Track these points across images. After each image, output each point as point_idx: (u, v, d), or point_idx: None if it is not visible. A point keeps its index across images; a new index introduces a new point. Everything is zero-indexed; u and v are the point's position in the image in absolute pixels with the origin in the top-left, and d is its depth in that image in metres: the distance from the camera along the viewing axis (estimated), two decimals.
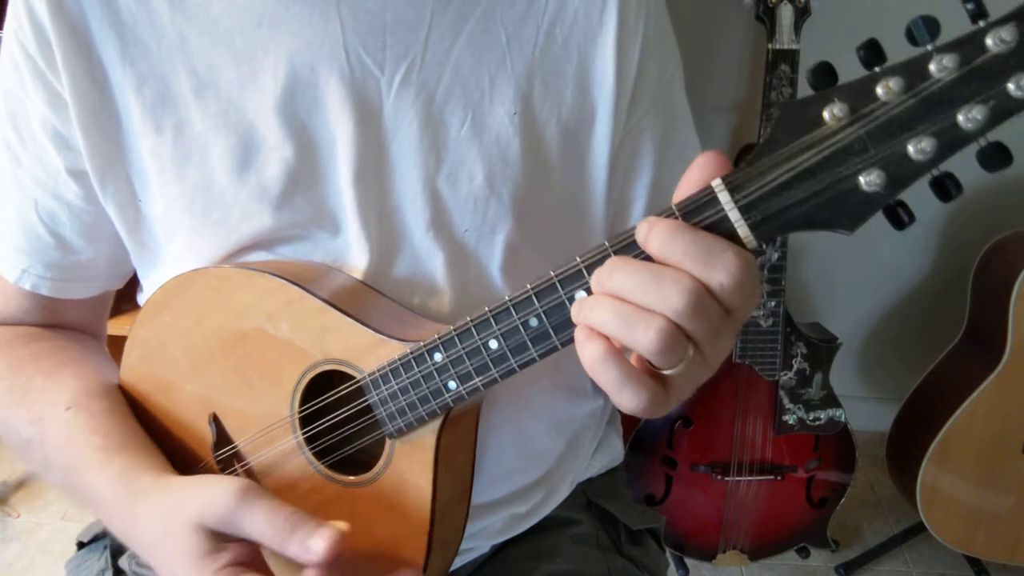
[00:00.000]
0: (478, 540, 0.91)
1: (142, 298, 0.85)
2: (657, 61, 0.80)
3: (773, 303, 1.69)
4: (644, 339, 0.52)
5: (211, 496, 0.65)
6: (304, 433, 0.75)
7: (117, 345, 0.82)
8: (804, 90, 0.65)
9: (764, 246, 1.60)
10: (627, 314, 0.52)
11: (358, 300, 0.73)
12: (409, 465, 0.72)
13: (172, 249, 0.79)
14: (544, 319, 0.59)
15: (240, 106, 0.73)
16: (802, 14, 1.59)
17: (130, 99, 0.74)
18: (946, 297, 2.20)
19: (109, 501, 0.74)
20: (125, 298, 0.94)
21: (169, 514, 0.67)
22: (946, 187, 0.48)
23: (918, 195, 0.52)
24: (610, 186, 0.81)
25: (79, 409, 0.77)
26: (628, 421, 1.80)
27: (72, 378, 0.80)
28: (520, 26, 0.75)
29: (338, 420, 0.74)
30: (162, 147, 0.75)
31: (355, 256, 0.76)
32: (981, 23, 0.44)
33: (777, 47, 1.60)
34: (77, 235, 0.81)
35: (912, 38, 0.46)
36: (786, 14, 1.58)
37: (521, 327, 0.60)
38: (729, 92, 2.03)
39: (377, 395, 0.70)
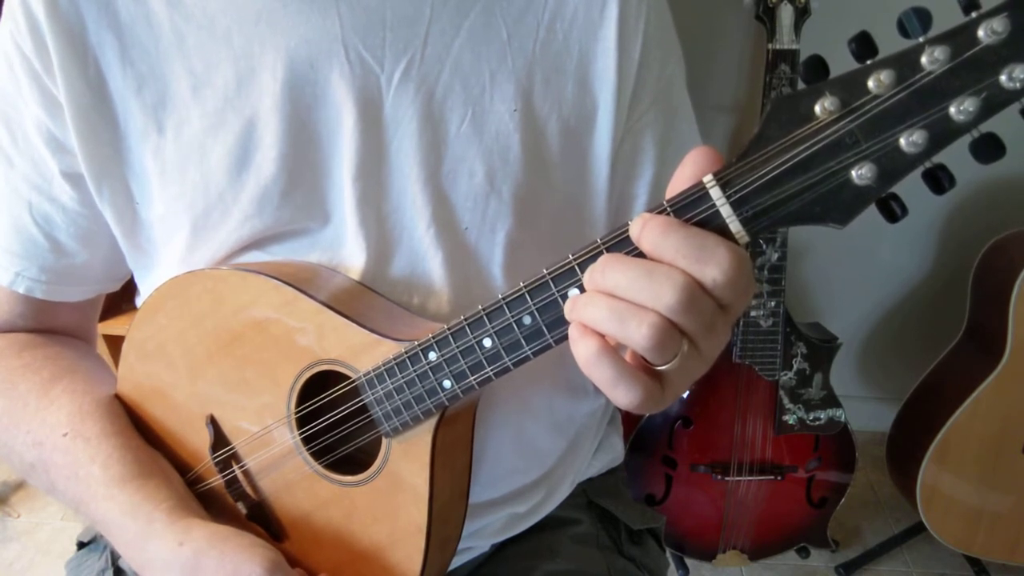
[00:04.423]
0: (477, 539, 0.91)
1: (139, 301, 0.85)
2: (658, 58, 0.80)
3: (773, 303, 1.69)
4: (637, 335, 0.52)
5: (235, 571, 0.68)
6: (301, 433, 0.75)
7: (115, 345, 0.83)
8: None
9: (763, 244, 1.62)
10: (620, 311, 0.52)
11: (354, 300, 0.73)
12: (406, 464, 0.72)
13: (169, 251, 0.79)
14: (537, 317, 0.59)
15: (238, 105, 0.73)
16: (802, 14, 1.59)
17: (131, 101, 0.74)
18: (946, 297, 2.20)
19: (116, 535, 0.75)
20: (124, 299, 0.94)
21: (188, 570, 0.70)
22: (939, 179, 0.47)
23: (918, 195, 0.52)
24: (611, 183, 0.81)
25: (75, 435, 0.77)
26: (628, 421, 1.80)
27: (66, 395, 0.80)
28: (520, 22, 0.75)
29: (335, 420, 0.74)
30: (164, 148, 0.75)
31: (353, 255, 0.76)
32: (973, 14, 0.44)
33: (777, 47, 1.59)
34: (72, 238, 0.81)
35: (904, 30, 0.46)
36: (786, 14, 1.58)
37: (515, 325, 0.60)
38: (729, 92, 2.03)
39: (372, 395, 0.70)
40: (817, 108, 0.48)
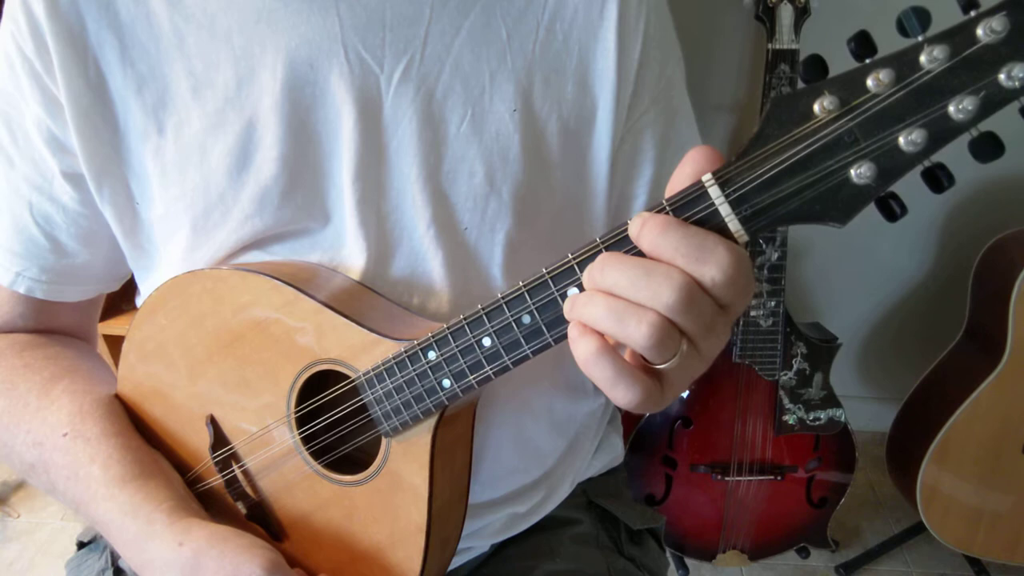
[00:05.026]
0: (477, 539, 0.91)
1: (140, 300, 0.85)
2: (658, 58, 0.80)
3: (773, 303, 1.69)
4: (637, 334, 0.52)
5: (234, 571, 0.68)
6: (301, 433, 0.75)
7: (115, 345, 0.82)
8: None
9: (763, 243, 1.62)
10: (619, 310, 0.52)
11: (353, 300, 0.73)
12: (405, 464, 0.72)
13: (170, 251, 0.79)
14: (537, 316, 0.59)
15: (238, 105, 0.73)
16: (802, 14, 1.59)
17: (131, 101, 0.74)
18: (946, 297, 2.20)
19: (116, 535, 0.75)
20: (124, 299, 0.94)
21: (187, 570, 0.70)
22: (938, 178, 0.47)
23: (918, 194, 0.52)
24: (611, 183, 0.81)
25: (75, 435, 0.77)
26: (628, 421, 1.80)
27: (66, 395, 0.80)
28: (520, 22, 0.75)
29: (334, 419, 0.74)
30: (164, 148, 0.75)
31: (353, 254, 0.76)
32: (972, 13, 0.44)
33: (777, 47, 1.60)
34: (72, 238, 0.81)
35: (903, 29, 0.46)
36: (786, 14, 1.58)
37: (514, 324, 0.60)
38: (729, 92, 2.03)
39: (372, 394, 0.70)
40: (816, 107, 0.48)
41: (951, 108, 0.45)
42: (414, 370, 0.66)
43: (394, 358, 0.67)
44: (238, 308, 0.74)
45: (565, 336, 0.57)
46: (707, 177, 0.52)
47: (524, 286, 0.59)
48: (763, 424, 1.80)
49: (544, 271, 0.58)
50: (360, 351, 0.70)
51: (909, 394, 1.95)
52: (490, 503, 0.88)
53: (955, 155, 0.48)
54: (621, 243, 0.54)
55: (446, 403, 0.67)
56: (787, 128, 0.49)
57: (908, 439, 1.91)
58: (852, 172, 0.48)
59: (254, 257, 0.77)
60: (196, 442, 0.80)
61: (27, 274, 0.81)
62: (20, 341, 0.85)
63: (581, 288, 0.56)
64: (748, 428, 1.81)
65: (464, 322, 0.62)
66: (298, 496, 0.78)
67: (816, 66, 0.48)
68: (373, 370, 0.69)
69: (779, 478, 1.85)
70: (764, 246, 1.65)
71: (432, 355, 0.65)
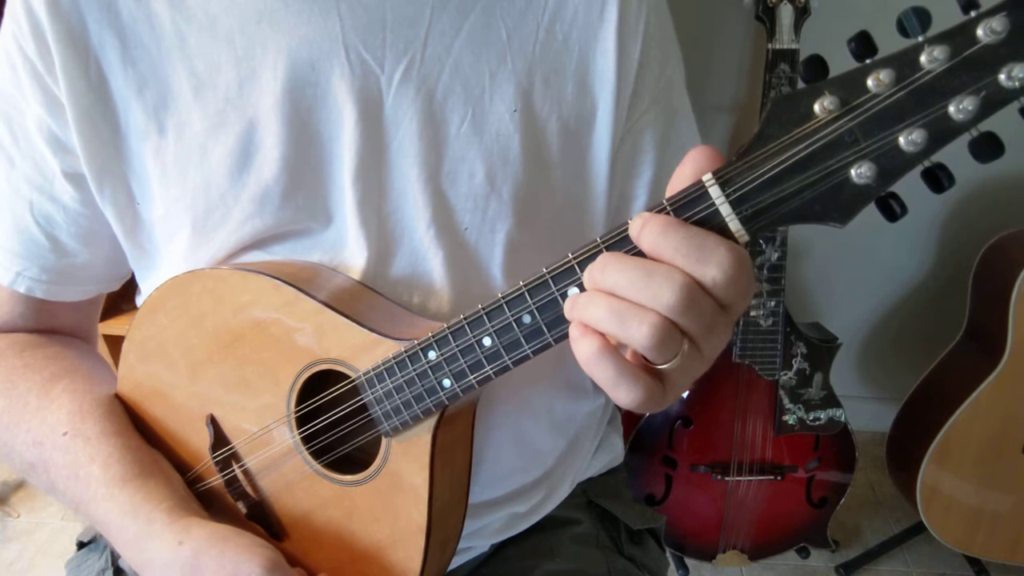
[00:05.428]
0: (477, 539, 0.91)
1: (140, 300, 0.85)
2: (658, 58, 0.80)
3: (773, 303, 1.69)
4: (638, 335, 0.52)
5: (234, 570, 0.68)
6: (301, 432, 0.75)
7: (115, 345, 0.82)
8: None
9: (763, 243, 1.62)
10: (620, 310, 0.52)
11: (354, 300, 0.73)
12: (405, 464, 0.72)
13: (171, 251, 0.79)
14: (537, 316, 0.59)
15: (239, 105, 0.73)
16: (802, 14, 1.59)
17: (132, 101, 0.74)
18: (946, 297, 2.20)
19: (116, 535, 0.75)
20: (124, 299, 0.94)
21: (187, 570, 0.70)
22: (938, 178, 0.48)
23: (918, 194, 0.52)
24: (611, 184, 0.81)
25: (75, 435, 0.77)
26: (628, 421, 1.80)
27: (66, 395, 0.80)
28: (520, 23, 0.75)
29: (334, 419, 0.74)
30: (164, 149, 0.75)
31: (354, 255, 0.76)
32: (972, 13, 0.44)
33: (777, 47, 1.60)
34: (73, 238, 0.81)
35: (903, 30, 0.46)
36: (786, 14, 1.58)
37: (514, 324, 0.60)
38: (729, 92, 2.03)
39: (372, 394, 0.70)
40: (817, 107, 0.48)
41: (951, 108, 0.45)
42: (414, 370, 0.66)
43: (394, 358, 0.67)
44: (238, 308, 0.74)
45: (565, 336, 0.57)
46: (707, 177, 0.52)
47: (524, 286, 0.59)
48: (763, 424, 1.80)
49: (544, 271, 0.58)
50: (360, 351, 0.70)
51: (909, 394, 1.95)
52: (490, 503, 0.89)
53: (955, 155, 0.48)
54: (622, 243, 0.54)
55: (446, 403, 0.67)
56: (788, 128, 0.49)
57: (908, 439, 1.91)
58: (852, 172, 0.48)
59: (255, 257, 0.77)
60: (196, 442, 0.80)
61: (27, 274, 0.81)
62: (20, 341, 0.85)
63: (582, 288, 0.56)
64: (748, 428, 1.81)
65: (464, 322, 0.62)
66: (298, 496, 0.78)
67: (816, 66, 0.48)
68: (373, 370, 0.69)
69: (779, 478, 1.85)
70: (764, 246, 1.65)
71: (432, 355, 0.65)
